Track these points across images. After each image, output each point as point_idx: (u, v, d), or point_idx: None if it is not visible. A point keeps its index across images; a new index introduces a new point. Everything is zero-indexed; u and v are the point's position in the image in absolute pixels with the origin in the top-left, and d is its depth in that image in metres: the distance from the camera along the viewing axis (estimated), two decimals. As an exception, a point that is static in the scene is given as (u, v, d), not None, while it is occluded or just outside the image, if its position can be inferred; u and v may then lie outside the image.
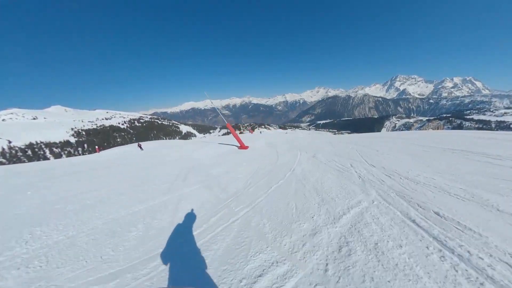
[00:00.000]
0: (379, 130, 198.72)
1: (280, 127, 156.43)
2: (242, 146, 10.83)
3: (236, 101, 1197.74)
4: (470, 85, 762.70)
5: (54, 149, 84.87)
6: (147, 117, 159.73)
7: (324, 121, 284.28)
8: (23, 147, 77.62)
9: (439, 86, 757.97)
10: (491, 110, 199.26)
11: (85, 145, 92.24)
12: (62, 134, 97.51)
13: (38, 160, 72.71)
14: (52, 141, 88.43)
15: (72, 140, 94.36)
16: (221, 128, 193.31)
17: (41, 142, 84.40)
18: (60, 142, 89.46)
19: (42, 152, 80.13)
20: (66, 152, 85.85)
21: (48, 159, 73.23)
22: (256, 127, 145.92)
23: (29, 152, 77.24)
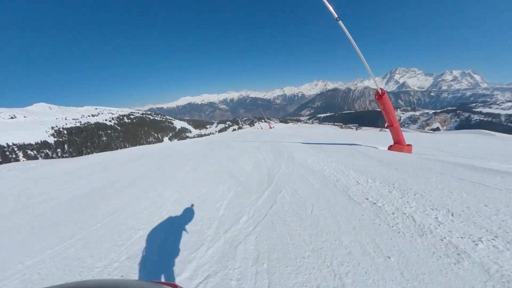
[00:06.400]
0: (383, 124, 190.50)
1: (281, 121, 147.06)
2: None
3: (234, 95, 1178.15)
4: (469, 78, 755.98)
5: (29, 152, 75.06)
6: (138, 113, 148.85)
7: (324, 115, 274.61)
8: (-10, 150, 67.69)
9: (439, 79, 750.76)
10: (497, 103, 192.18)
11: (65, 146, 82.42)
12: (40, 134, 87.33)
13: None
14: (27, 143, 78.44)
15: (51, 140, 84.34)
16: (218, 123, 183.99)
17: (14, 144, 74.39)
18: (36, 143, 79.47)
19: (14, 156, 70.34)
20: (43, 154, 76.12)
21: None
22: (256, 121, 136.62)
23: (-2, 156, 67.36)
